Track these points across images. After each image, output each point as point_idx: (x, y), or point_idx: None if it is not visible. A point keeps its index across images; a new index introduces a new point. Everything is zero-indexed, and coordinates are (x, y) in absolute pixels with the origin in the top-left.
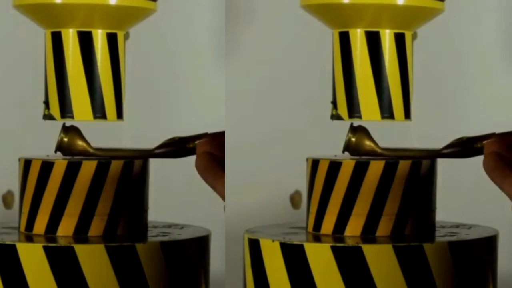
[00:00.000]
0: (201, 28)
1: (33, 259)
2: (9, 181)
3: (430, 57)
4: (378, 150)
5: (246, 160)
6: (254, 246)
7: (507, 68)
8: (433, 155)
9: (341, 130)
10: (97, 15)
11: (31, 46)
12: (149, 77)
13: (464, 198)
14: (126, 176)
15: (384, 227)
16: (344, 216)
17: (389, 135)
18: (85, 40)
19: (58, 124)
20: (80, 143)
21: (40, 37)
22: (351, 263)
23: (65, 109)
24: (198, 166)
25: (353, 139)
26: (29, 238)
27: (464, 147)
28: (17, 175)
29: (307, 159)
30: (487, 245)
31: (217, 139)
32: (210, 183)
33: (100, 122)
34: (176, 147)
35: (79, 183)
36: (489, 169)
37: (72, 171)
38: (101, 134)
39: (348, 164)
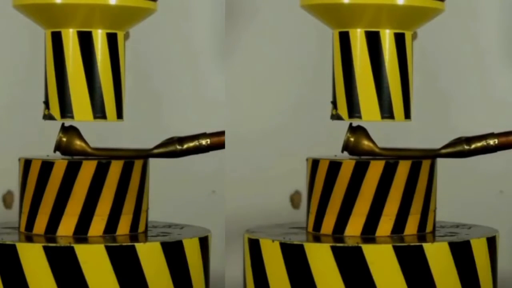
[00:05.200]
0: (201, 27)
1: (33, 259)
2: (9, 181)
3: (430, 56)
4: (377, 150)
5: (246, 160)
6: (254, 246)
7: (507, 68)
8: (431, 155)
9: (341, 130)
10: (97, 15)
11: (31, 46)
12: (149, 76)
13: (464, 198)
14: (126, 176)
15: (384, 227)
16: (344, 216)
17: (389, 134)
18: (85, 40)
19: (58, 124)
20: (78, 143)
21: (40, 37)
22: (351, 263)
23: (65, 109)
24: None
25: (352, 139)
26: (29, 238)
27: (462, 147)
28: (17, 175)
29: (307, 159)
30: (487, 245)
31: None
32: None
33: (100, 122)
34: (174, 147)
35: (79, 183)
36: None
37: (72, 171)
38: (101, 134)
39: (348, 164)
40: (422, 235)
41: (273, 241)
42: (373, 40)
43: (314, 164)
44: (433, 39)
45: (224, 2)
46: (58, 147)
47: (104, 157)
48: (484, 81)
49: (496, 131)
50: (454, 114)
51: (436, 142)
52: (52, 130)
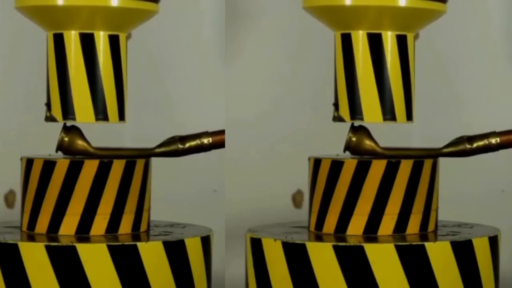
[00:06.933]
0: (202, 28)
1: (35, 259)
2: (11, 181)
3: (431, 57)
4: (379, 150)
5: (247, 159)
6: (256, 246)
7: (508, 68)
8: (433, 154)
9: (343, 130)
10: (99, 17)
11: (33, 48)
12: (151, 77)
13: (465, 197)
14: (128, 175)
15: (386, 226)
16: (346, 215)
17: (390, 135)
18: (87, 42)
19: (60, 124)
20: (80, 142)
21: (42, 39)
22: (353, 262)
23: (67, 111)
24: None
25: (354, 139)
26: (31, 237)
27: (464, 146)
28: (19, 175)
29: (309, 158)
30: (489, 245)
31: None
32: None
33: (102, 123)
34: (176, 146)
35: (81, 182)
36: None
37: (74, 170)
38: (103, 134)
39: (350, 163)
40: (424, 234)
41: (275, 240)
42: (375, 42)
43: (316, 163)
44: (434, 39)
45: (224, 5)
46: (60, 146)
47: (106, 157)
48: (486, 80)
49: (498, 130)
50: (456, 114)
51: (437, 142)
52: (54, 129)
